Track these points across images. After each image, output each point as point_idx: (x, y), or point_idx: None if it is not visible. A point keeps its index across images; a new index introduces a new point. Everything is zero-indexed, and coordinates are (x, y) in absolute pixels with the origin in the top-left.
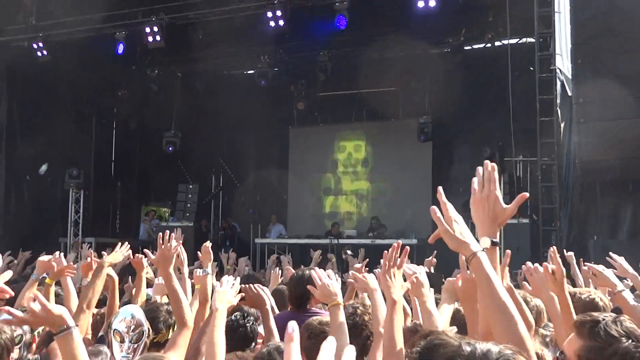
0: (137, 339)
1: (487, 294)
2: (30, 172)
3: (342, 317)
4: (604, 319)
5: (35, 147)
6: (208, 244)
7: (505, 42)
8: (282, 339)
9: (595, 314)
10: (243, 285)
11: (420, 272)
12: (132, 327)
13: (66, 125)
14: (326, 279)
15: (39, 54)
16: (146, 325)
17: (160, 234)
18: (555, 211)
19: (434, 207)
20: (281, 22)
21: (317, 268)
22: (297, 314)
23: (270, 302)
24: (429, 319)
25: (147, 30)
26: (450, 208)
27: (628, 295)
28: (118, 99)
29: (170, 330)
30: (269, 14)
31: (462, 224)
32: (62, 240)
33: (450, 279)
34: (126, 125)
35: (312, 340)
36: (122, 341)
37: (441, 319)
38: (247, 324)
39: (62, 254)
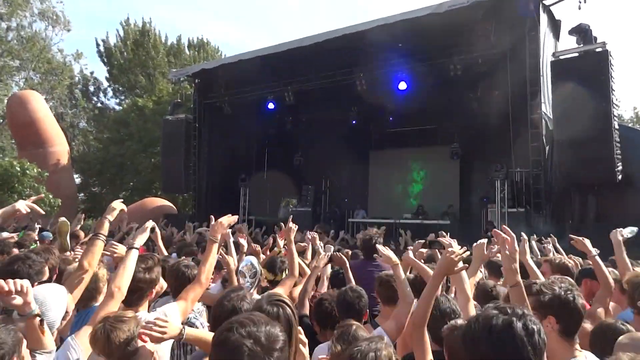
0: (253, 275)
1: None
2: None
3: (401, 272)
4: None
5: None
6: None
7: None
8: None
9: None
10: (334, 254)
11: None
12: (251, 269)
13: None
14: (386, 250)
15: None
16: (259, 269)
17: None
18: (542, 204)
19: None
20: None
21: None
22: (367, 262)
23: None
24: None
25: (286, 94)
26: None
27: (599, 260)
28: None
29: (283, 274)
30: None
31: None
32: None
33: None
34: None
35: (382, 287)
36: (244, 277)
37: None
38: None
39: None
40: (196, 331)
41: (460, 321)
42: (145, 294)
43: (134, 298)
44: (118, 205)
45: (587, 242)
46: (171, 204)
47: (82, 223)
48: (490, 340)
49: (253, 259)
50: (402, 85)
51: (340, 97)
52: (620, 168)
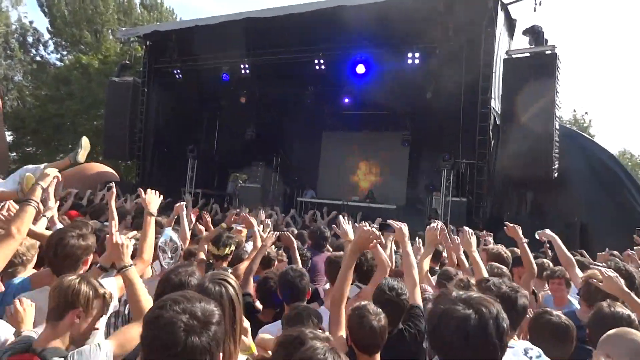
0: (174, 251)
1: None
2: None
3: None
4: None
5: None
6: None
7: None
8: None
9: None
10: (281, 233)
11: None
12: (172, 244)
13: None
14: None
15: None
16: (179, 244)
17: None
18: (483, 195)
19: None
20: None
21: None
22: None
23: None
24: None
25: (242, 66)
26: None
27: (527, 247)
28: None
29: (227, 249)
30: (315, 61)
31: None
32: (182, 189)
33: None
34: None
35: (331, 266)
36: (164, 252)
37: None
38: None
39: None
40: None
41: (364, 302)
42: (80, 261)
43: (65, 264)
44: (52, 172)
45: (519, 229)
46: (113, 171)
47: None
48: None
49: (173, 233)
50: (360, 69)
51: (297, 74)
52: (556, 166)
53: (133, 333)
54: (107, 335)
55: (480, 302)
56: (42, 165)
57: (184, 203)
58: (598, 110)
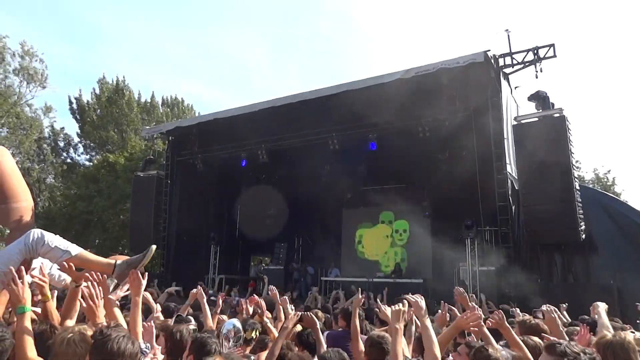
0: (237, 340)
1: None
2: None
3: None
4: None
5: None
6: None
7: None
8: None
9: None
10: (304, 314)
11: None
12: (236, 332)
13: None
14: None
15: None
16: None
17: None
18: (511, 262)
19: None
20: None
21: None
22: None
23: (319, 323)
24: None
25: (259, 152)
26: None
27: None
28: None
29: (252, 332)
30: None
31: None
32: (205, 276)
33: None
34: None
35: (373, 347)
36: (227, 341)
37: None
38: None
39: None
40: None
41: None
42: None
43: None
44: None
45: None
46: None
47: None
48: None
49: (236, 321)
50: (372, 146)
51: (313, 155)
52: (583, 227)
53: None
54: None
55: None
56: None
57: (200, 289)
58: (622, 167)
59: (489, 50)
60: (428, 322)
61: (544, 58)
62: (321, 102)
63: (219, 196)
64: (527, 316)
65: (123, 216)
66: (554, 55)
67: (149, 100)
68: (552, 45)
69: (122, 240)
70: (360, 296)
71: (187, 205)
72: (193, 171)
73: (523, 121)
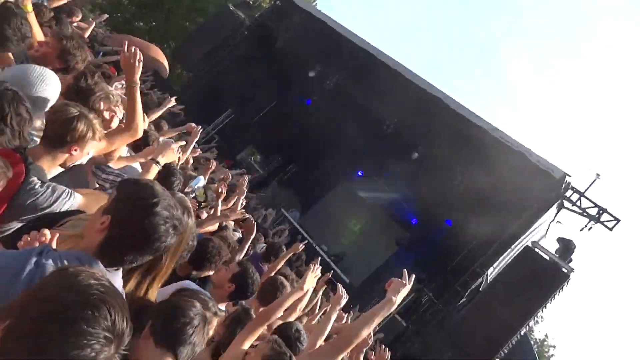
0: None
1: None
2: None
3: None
4: None
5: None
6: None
7: None
8: None
9: None
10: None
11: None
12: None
13: None
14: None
15: None
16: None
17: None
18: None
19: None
20: None
21: None
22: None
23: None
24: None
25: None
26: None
27: None
28: None
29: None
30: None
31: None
32: (206, 126)
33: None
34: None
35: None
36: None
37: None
38: None
39: None
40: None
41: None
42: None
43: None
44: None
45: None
46: (165, 64)
47: None
48: None
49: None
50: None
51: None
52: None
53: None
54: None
55: None
56: None
57: (200, 128)
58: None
59: (570, 176)
60: (334, 317)
61: (602, 222)
62: None
63: (276, 80)
64: None
65: (189, 22)
66: (610, 229)
67: None
68: (618, 220)
69: (170, 41)
70: (299, 248)
71: (239, 67)
72: (270, 46)
73: (536, 249)
